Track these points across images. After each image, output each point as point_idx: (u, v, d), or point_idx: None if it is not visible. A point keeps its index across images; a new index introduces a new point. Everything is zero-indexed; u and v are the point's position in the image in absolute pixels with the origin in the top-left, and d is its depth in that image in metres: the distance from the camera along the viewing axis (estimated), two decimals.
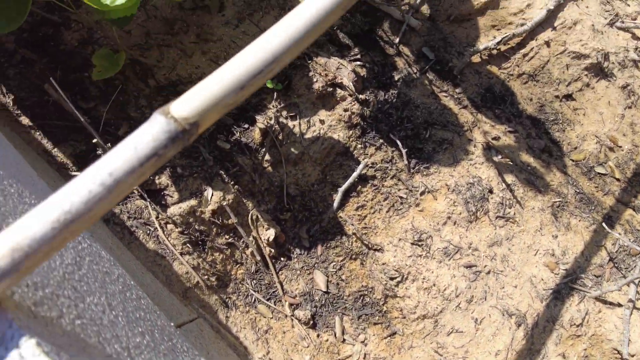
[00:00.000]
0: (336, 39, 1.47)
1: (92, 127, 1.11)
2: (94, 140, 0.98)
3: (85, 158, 1.18)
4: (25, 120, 1.16)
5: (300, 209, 1.33)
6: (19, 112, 1.17)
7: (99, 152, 1.03)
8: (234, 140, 1.28)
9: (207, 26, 1.39)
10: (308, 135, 1.31)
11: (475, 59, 1.55)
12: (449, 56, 1.56)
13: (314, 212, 1.34)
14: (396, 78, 1.48)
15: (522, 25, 1.54)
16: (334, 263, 1.32)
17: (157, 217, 1.12)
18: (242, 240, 1.25)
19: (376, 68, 1.47)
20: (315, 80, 1.32)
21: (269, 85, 1.27)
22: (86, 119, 1.17)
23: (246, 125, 1.29)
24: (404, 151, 1.39)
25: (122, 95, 1.24)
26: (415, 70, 1.51)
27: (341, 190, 1.34)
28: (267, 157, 1.27)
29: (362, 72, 1.44)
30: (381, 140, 1.40)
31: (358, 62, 1.44)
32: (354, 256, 1.33)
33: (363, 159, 1.37)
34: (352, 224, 1.35)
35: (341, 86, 1.36)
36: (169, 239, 1.13)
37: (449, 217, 1.37)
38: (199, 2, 1.39)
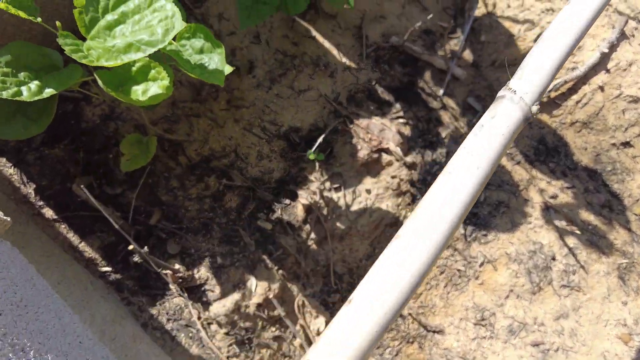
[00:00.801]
0: (375, 94, 1.42)
1: (120, 215, 1.04)
2: (130, 247, 0.91)
3: (113, 250, 1.11)
4: (48, 212, 1.10)
5: (349, 289, 1.26)
6: (42, 203, 1.10)
7: (132, 251, 0.96)
8: (275, 218, 1.21)
9: (237, 90, 1.33)
10: (354, 208, 1.25)
11: None
12: None
13: None
14: (443, 135, 1.42)
15: (573, 69, 1.49)
16: (390, 349, 1.25)
17: (199, 318, 1.04)
18: (289, 331, 1.17)
19: (420, 125, 1.42)
20: (359, 147, 1.26)
21: (311, 157, 1.21)
22: (113, 211, 1.10)
23: (287, 201, 1.22)
24: None
25: (151, 177, 1.18)
26: (462, 125, 1.45)
27: None
28: (312, 235, 1.20)
29: (406, 131, 1.38)
30: None
31: (401, 120, 1.38)
32: (411, 339, 1.26)
33: None
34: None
35: (387, 151, 1.29)
36: (214, 341, 1.05)
37: (511, 290, 1.30)
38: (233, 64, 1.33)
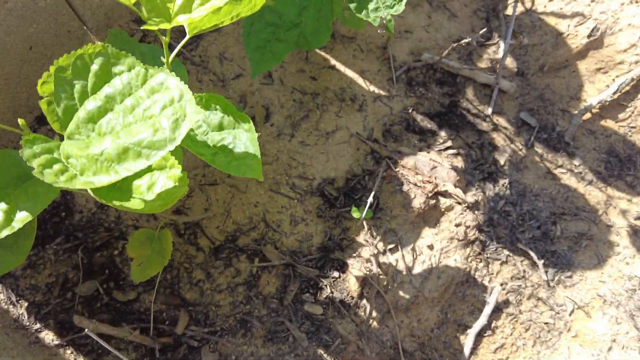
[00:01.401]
0: (414, 124, 1.23)
1: (138, 328, 0.84)
2: None
3: None
4: (48, 336, 0.90)
5: None
6: (39, 325, 0.90)
7: None
8: (325, 299, 1.01)
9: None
10: (418, 270, 1.05)
11: (585, 115, 1.31)
12: (552, 117, 1.32)
13: None
14: (501, 162, 1.23)
15: (637, 62, 1.31)
16: None
17: None
18: None
19: (473, 153, 1.23)
20: (412, 195, 1.07)
21: (356, 215, 1.02)
22: (129, 324, 0.90)
23: (336, 274, 1.03)
24: (539, 262, 1.13)
25: (169, 271, 0.98)
26: (519, 146, 1.27)
27: (473, 332, 1.07)
28: (372, 312, 1.01)
29: (460, 163, 1.19)
30: (505, 252, 1.15)
31: (451, 151, 1.20)
32: None
33: (488, 281, 1.11)
34: None
35: (444, 194, 1.10)
36: None
37: (613, 340, 1.11)
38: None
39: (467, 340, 1.11)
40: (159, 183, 0.71)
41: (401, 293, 1.07)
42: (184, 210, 1.06)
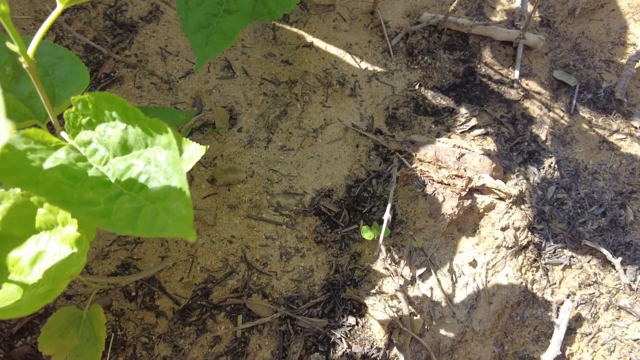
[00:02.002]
0: (425, 103, 0.96)
1: None
2: None
3: None
4: None
5: None
6: None
7: None
8: (341, 356, 0.74)
9: (220, 158, 0.87)
10: (460, 297, 0.79)
11: (637, 63, 1.04)
12: (594, 72, 1.05)
13: None
14: (542, 136, 0.96)
15: None
16: None
17: None
18: None
19: (505, 130, 0.96)
20: (440, 197, 0.80)
21: (367, 236, 0.75)
22: None
23: (351, 321, 0.76)
24: (614, 260, 0.86)
25: (121, 353, 0.71)
26: (561, 114, 1.00)
27: None
28: None
29: (491, 145, 0.92)
30: (567, 252, 0.88)
31: (477, 132, 0.93)
32: None
33: (551, 294, 0.85)
34: None
35: (481, 189, 0.84)
36: None
37: None
38: (197, 123, 0.88)
39: None
40: (50, 252, 0.44)
41: (443, 332, 0.80)
42: (133, 263, 0.78)
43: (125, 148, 0.39)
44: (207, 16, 0.73)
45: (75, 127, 0.41)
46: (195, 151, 0.52)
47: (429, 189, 0.82)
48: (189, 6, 0.73)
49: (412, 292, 0.79)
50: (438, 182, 0.83)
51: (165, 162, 0.37)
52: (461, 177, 0.83)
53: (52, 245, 0.44)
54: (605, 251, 0.89)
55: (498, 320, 0.83)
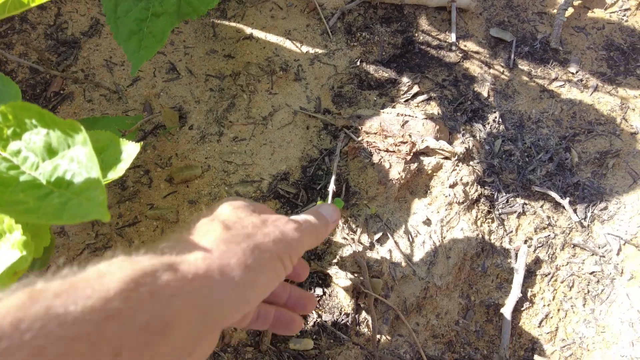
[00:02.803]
0: (368, 77, 1.01)
1: None
2: None
3: None
4: None
5: None
6: None
7: None
8: (313, 327, 0.80)
9: (175, 157, 0.91)
10: (419, 256, 0.84)
11: (567, 12, 1.10)
12: (529, 25, 1.10)
13: None
14: (484, 93, 1.01)
15: None
16: None
17: None
18: None
19: (448, 92, 1.01)
20: (387, 165, 0.85)
21: None
22: None
23: (318, 292, 0.81)
24: (563, 201, 0.92)
25: None
26: (501, 69, 1.05)
27: (508, 310, 0.87)
28: (377, 325, 0.79)
29: (435, 109, 0.97)
30: (519, 200, 0.94)
31: (421, 98, 0.98)
32: None
33: (509, 242, 0.90)
34: (550, 357, 0.87)
35: (427, 152, 0.88)
36: None
37: None
38: (149, 127, 0.92)
39: (503, 322, 0.90)
40: (1, 258, 0.48)
41: (406, 290, 0.85)
42: None
43: (51, 151, 0.43)
44: (137, 22, 0.77)
45: (3, 139, 0.45)
46: (131, 149, 0.56)
47: (376, 158, 0.86)
48: (118, 15, 0.77)
49: (372, 256, 0.84)
50: (384, 151, 0.87)
51: (85, 157, 0.41)
52: (405, 142, 0.87)
53: (2, 252, 0.49)
54: (554, 194, 0.94)
55: (459, 272, 0.89)
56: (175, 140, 0.93)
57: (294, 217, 0.50)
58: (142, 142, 0.56)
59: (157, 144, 0.93)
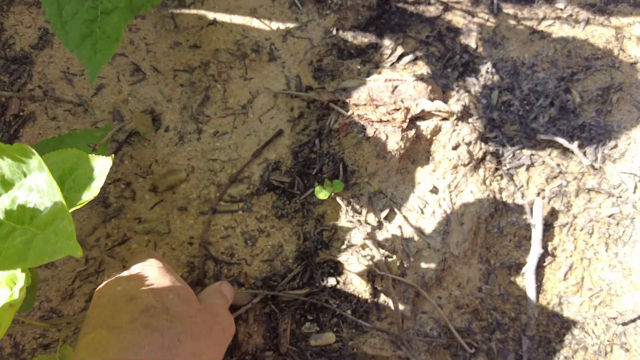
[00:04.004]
0: (347, 46, 0.95)
1: None
2: None
3: None
4: None
5: (487, 337, 0.83)
6: None
7: None
8: (332, 319, 0.76)
9: (156, 164, 0.86)
10: (430, 227, 0.80)
11: None
12: None
13: (506, 324, 0.84)
14: (472, 44, 0.96)
15: None
16: None
17: None
18: None
19: (434, 49, 0.96)
20: (383, 136, 0.80)
21: (322, 196, 0.76)
22: None
23: (332, 282, 0.77)
24: (572, 146, 0.88)
25: None
26: (485, 17, 0.99)
27: (530, 269, 0.84)
28: (397, 306, 0.76)
29: (423, 69, 0.92)
30: (526, 152, 0.90)
31: (407, 59, 0.92)
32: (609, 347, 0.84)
33: (522, 198, 0.87)
34: (579, 308, 0.85)
35: (423, 116, 0.84)
36: None
37: None
38: (122, 136, 0.86)
39: (526, 281, 0.87)
40: None
41: (424, 265, 0.81)
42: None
43: (5, 183, 0.38)
44: (86, 24, 0.70)
45: None
46: (103, 165, 0.51)
47: (370, 131, 0.81)
48: (64, 19, 0.70)
49: (382, 235, 0.79)
50: (377, 122, 0.82)
51: (45, 184, 0.36)
52: (399, 109, 0.82)
53: None
54: (560, 140, 0.90)
55: (475, 237, 0.85)
56: (153, 146, 0.87)
57: None
58: (113, 155, 0.51)
59: (134, 153, 0.87)
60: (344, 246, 0.79)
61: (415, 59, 0.94)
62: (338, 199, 0.80)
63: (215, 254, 0.81)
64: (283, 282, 0.79)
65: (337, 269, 0.79)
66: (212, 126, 0.89)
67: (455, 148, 0.84)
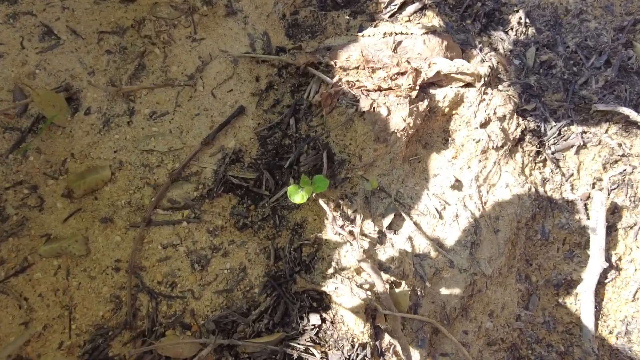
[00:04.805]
0: None
1: None
2: None
3: None
4: None
5: None
6: None
7: None
8: None
9: (73, 158, 0.60)
10: (454, 237, 0.57)
11: None
12: None
13: None
14: None
15: None
16: None
17: None
18: None
19: None
20: (384, 112, 0.56)
21: (298, 200, 0.51)
22: None
23: (315, 321, 0.54)
24: (632, 112, 0.64)
25: None
26: None
27: (588, 287, 0.60)
28: (408, 354, 0.52)
29: (434, 19, 0.67)
30: (575, 128, 0.66)
31: (412, 7, 0.68)
32: None
33: (571, 189, 0.63)
34: None
35: (437, 80, 0.59)
36: None
37: None
38: (25, 124, 0.61)
39: (581, 303, 0.63)
40: None
41: (444, 291, 0.58)
42: None
43: None
44: None
45: None
46: None
47: (365, 104, 0.57)
48: None
49: (385, 253, 0.55)
50: (375, 91, 0.58)
51: None
52: (404, 73, 0.58)
53: None
54: (625, 110, 0.66)
55: (513, 249, 0.61)
56: (68, 135, 0.62)
57: None
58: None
59: (42, 146, 0.62)
60: (330, 270, 0.55)
61: (423, 7, 0.69)
62: (322, 202, 0.56)
63: (151, 283, 0.57)
64: (244, 324, 0.55)
65: (322, 303, 0.55)
66: (147, 105, 0.64)
67: (484, 125, 0.60)
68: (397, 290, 0.52)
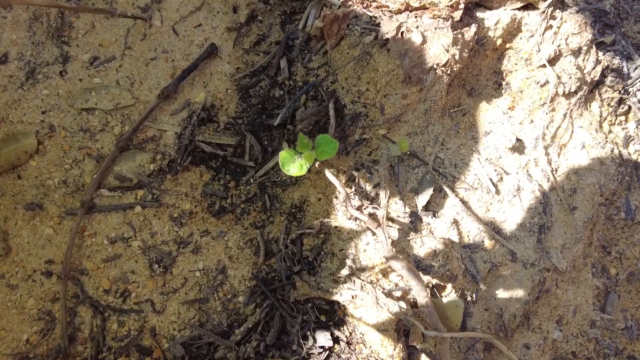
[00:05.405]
0: None
1: None
2: None
3: None
4: None
5: None
6: None
7: None
8: None
9: None
10: (515, 219, 0.39)
11: None
12: None
13: None
14: None
15: None
16: None
17: None
18: None
19: None
20: (417, 38, 0.38)
21: (295, 171, 0.33)
22: None
23: (324, 341, 0.36)
24: None
25: None
26: None
27: None
28: None
29: None
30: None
31: None
32: None
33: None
34: None
35: (485, 2, 0.42)
36: None
37: None
38: None
39: None
40: None
41: (502, 294, 0.42)
42: None
43: None
44: None
45: None
46: None
47: (389, 28, 0.39)
48: None
49: (421, 245, 0.39)
50: (401, 12, 0.40)
51: None
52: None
53: None
54: None
55: (592, 234, 0.45)
56: None
57: None
58: None
59: None
60: (344, 270, 0.39)
61: None
62: (329, 173, 0.39)
63: (95, 292, 0.41)
64: (226, 348, 0.39)
65: (333, 316, 0.39)
66: (86, 47, 0.47)
67: (552, 61, 0.43)
68: (443, 299, 0.36)
